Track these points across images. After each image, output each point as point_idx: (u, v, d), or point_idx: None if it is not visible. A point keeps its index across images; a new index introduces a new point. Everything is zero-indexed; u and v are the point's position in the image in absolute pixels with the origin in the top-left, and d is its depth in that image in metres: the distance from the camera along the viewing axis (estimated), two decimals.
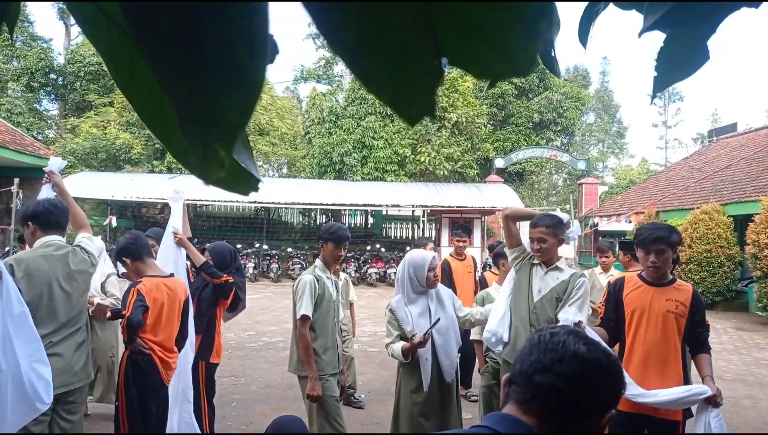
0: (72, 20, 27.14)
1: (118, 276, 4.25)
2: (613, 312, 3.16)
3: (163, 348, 3.37)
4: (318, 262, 3.81)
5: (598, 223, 18.97)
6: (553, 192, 31.63)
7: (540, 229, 3.40)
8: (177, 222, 4.13)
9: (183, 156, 0.61)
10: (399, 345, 3.34)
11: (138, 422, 3.27)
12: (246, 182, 0.63)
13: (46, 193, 3.44)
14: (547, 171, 29.13)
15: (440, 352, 3.38)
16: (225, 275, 4.08)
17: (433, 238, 19.48)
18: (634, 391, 2.83)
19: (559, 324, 2.93)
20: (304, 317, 3.54)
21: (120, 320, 3.42)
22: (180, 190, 4.40)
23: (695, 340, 3.07)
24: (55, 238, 3.07)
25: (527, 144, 23.79)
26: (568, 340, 1.02)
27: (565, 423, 0.99)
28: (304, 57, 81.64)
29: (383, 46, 0.47)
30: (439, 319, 3.31)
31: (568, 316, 2.78)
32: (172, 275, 3.59)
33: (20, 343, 2.48)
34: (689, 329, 3.01)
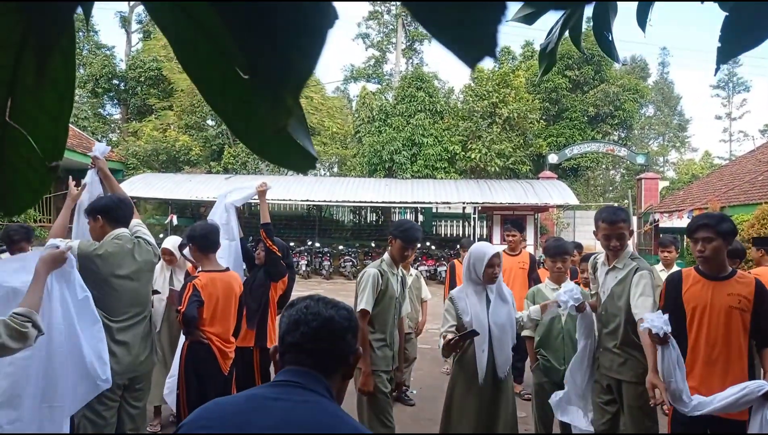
0: (132, 27, 28.37)
1: (181, 253, 4.39)
2: (672, 310, 2.97)
3: (221, 339, 3.50)
4: (386, 256, 3.74)
5: (658, 220, 18.23)
6: (611, 188, 30.60)
7: (620, 224, 3.26)
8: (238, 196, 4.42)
9: (244, 129, 0.63)
10: (449, 337, 3.35)
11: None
12: (303, 160, 0.64)
13: (90, 177, 3.66)
14: (604, 166, 28.20)
15: (496, 345, 3.38)
16: (277, 248, 4.21)
17: (485, 236, 19.26)
18: (690, 403, 2.70)
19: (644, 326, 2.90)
20: (363, 312, 3.49)
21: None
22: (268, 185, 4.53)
23: (761, 335, 2.88)
24: (124, 232, 3.22)
25: (582, 139, 23.11)
26: (319, 308, 1.35)
27: (331, 368, 1.34)
28: (353, 57, 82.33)
29: None
30: (477, 333, 3.28)
31: (653, 322, 2.70)
32: (227, 270, 3.71)
33: (83, 324, 2.63)
34: (755, 324, 2.84)
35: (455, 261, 6.39)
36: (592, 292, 3.59)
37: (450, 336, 3.33)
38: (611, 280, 3.32)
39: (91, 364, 2.65)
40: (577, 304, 3.29)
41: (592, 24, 1.75)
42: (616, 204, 27.00)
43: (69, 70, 0.60)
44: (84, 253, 2.87)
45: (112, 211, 3.22)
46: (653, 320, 2.70)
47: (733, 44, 0.92)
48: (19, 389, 2.48)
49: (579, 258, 5.21)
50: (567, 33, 1.73)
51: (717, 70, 1.02)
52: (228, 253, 4.18)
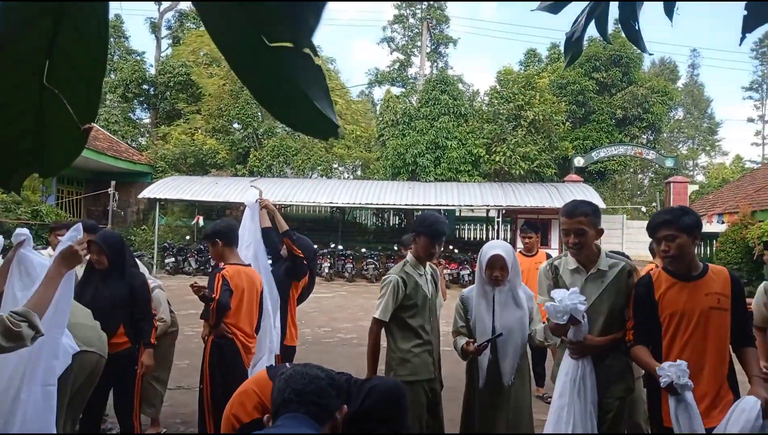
0: (162, 33, 28.94)
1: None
2: (646, 317, 2.69)
3: (245, 333, 3.55)
4: (409, 256, 3.45)
5: None
6: (638, 192, 30.11)
7: (579, 218, 2.82)
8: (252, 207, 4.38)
9: (270, 99, 0.67)
10: (462, 341, 3.17)
11: (221, 405, 3.44)
12: (326, 127, 0.66)
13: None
14: (632, 170, 27.77)
15: (500, 350, 3.13)
16: (300, 250, 4.25)
17: (508, 240, 19.08)
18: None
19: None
20: (376, 321, 3.32)
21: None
22: (257, 186, 4.55)
23: (739, 333, 2.62)
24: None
25: (609, 141, 22.77)
26: (306, 371, 1.77)
27: (320, 419, 1.68)
28: (378, 60, 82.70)
29: None
30: (501, 334, 3.04)
31: (667, 372, 2.43)
32: (249, 265, 3.78)
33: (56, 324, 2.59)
34: (735, 322, 2.58)
35: None
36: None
37: (461, 341, 3.15)
38: (594, 288, 2.86)
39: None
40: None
41: (618, 14, 1.74)
42: (644, 208, 26.51)
43: (102, 35, 0.63)
44: None
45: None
46: (667, 370, 2.43)
47: (759, 13, 0.91)
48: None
49: None
50: (593, 23, 1.71)
51: (743, 39, 1.00)
52: (254, 250, 4.17)
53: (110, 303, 3.49)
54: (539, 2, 1.74)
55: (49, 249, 5.07)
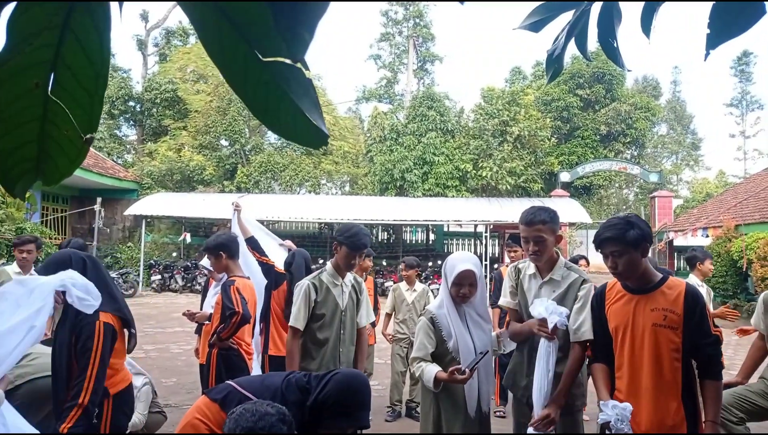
0: (149, 50, 28.96)
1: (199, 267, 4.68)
2: (599, 331, 2.57)
3: (246, 343, 3.62)
4: (328, 265, 3.38)
5: (673, 238, 18.10)
6: (624, 207, 30.44)
7: (537, 226, 2.74)
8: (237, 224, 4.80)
9: (262, 109, 0.70)
10: (433, 369, 2.72)
11: None
12: (317, 137, 0.69)
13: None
14: (617, 185, 28.12)
15: (482, 374, 2.83)
16: (267, 258, 4.39)
17: (496, 255, 19.18)
18: None
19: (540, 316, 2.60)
20: (291, 329, 3.23)
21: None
22: (238, 202, 4.93)
23: (698, 358, 2.39)
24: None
25: (594, 157, 23.10)
26: (260, 408, 1.81)
27: None
28: (366, 78, 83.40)
29: None
30: (487, 352, 2.78)
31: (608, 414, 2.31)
32: (249, 278, 3.87)
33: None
34: (689, 342, 2.34)
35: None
36: (510, 306, 3.04)
37: (433, 369, 2.72)
38: (547, 295, 2.80)
39: None
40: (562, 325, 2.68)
41: (597, 32, 1.80)
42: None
43: (104, 49, 0.66)
44: None
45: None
46: (609, 410, 2.32)
47: (721, 32, 0.96)
48: None
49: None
50: (573, 40, 1.78)
51: (707, 56, 1.06)
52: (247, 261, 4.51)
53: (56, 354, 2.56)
54: (522, 21, 1.79)
55: (15, 265, 4.99)
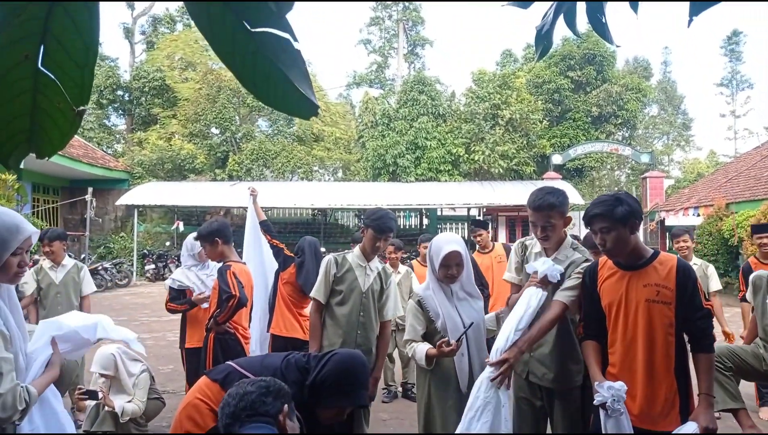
0: (136, 39, 28.60)
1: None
2: (591, 308, 2.57)
3: (243, 327, 3.64)
4: (356, 248, 3.41)
5: (664, 218, 18.22)
6: (616, 188, 30.58)
7: (545, 212, 2.73)
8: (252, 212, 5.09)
9: (252, 81, 0.70)
10: (424, 347, 2.77)
11: None
12: (306, 107, 0.69)
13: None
14: (609, 166, 28.19)
15: (472, 348, 2.86)
16: (278, 241, 4.56)
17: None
18: None
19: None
20: (313, 301, 3.35)
21: None
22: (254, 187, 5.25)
23: (690, 331, 2.41)
24: None
25: (586, 139, 23.12)
26: (240, 389, 1.84)
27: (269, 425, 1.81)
28: (356, 63, 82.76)
29: None
30: (472, 323, 2.78)
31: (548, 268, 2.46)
32: (244, 263, 3.93)
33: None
34: (680, 316, 2.36)
35: (414, 261, 6.21)
36: (514, 281, 3.05)
37: (423, 347, 2.76)
38: None
39: None
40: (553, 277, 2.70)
41: (586, 8, 1.80)
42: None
43: (93, 20, 0.66)
44: None
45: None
46: (605, 391, 2.30)
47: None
48: None
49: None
50: (562, 17, 1.78)
51: (690, 22, 1.07)
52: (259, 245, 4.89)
53: None
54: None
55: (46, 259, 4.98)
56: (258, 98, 0.68)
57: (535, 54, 1.95)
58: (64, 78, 0.66)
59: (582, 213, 2.99)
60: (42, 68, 0.65)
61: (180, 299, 4.25)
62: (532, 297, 2.64)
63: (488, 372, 2.53)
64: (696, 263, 5.20)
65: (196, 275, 4.30)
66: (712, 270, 5.16)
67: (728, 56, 37.94)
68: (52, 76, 0.65)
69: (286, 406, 1.85)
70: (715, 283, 5.09)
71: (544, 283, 2.67)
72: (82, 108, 0.68)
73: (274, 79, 0.66)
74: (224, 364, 2.32)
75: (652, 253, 2.47)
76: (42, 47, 0.64)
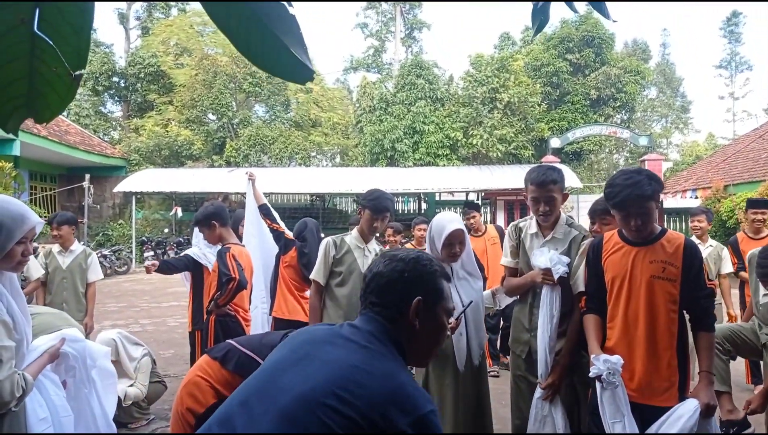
0: (131, 24, 28.32)
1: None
2: (594, 281, 2.56)
3: (244, 309, 3.67)
4: (354, 230, 3.41)
5: (663, 200, 18.25)
6: (614, 171, 30.60)
7: (549, 186, 2.75)
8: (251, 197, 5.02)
9: (248, 45, 0.70)
10: None
11: None
12: (302, 72, 0.70)
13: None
14: (607, 150, 28.13)
15: (471, 327, 2.89)
16: (279, 225, 4.54)
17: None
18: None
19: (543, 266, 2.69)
20: (313, 283, 3.34)
21: None
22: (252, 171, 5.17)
23: (693, 310, 2.42)
24: None
25: (584, 122, 23.04)
26: (376, 267, 1.45)
27: (388, 316, 1.38)
28: (353, 47, 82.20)
29: None
30: (471, 302, 2.81)
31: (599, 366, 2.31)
32: (244, 245, 3.95)
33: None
34: (686, 294, 2.36)
35: (408, 245, 6.07)
36: (511, 265, 3.06)
37: None
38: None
39: None
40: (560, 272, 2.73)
41: None
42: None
43: None
44: None
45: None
46: (600, 363, 2.32)
47: None
48: None
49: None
50: None
51: None
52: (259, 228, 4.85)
53: None
54: None
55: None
56: (253, 63, 0.69)
57: (531, 29, 1.95)
58: (61, 42, 0.66)
59: (579, 197, 2.96)
60: (38, 32, 0.65)
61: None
62: (552, 298, 2.75)
63: (539, 393, 2.75)
64: (711, 245, 5.25)
65: (213, 255, 4.36)
66: (726, 253, 5.20)
67: (727, 38, 37.74)
68: (49, 41, 0.66)
69: (419, 298, 1.45)
70: (727, 266, 5.15)
71: (551, 277, 2.72)
72: (79, 72, 0.68)
73: (269, 44, 0.67)
74: (224, 343, 2.35)
75: (660, 230, 2.45)
76: (37, 11, 0.64)
